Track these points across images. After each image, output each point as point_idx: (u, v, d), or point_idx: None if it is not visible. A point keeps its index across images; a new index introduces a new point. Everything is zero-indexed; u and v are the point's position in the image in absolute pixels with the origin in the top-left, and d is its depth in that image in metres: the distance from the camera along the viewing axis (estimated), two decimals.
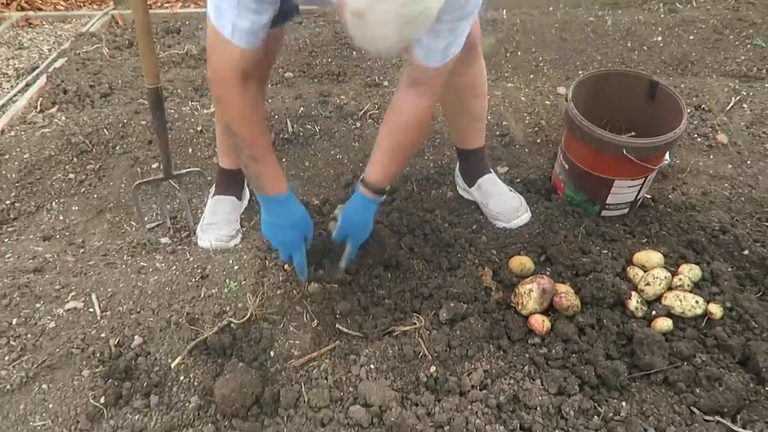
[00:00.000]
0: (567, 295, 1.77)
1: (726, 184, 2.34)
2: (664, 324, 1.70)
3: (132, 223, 2.24)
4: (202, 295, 1.75)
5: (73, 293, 1.79)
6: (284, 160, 2.44)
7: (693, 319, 1.74)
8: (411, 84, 1.61)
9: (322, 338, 1.72)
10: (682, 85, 2.78)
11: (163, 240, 2.16)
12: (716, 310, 1.73)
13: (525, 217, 2.13)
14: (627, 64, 3.11)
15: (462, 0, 1.39)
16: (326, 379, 1.61)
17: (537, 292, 1.74)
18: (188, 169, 2.15)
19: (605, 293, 1.76)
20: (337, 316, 1.76)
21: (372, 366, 1.62)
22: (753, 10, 3.46)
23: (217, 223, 2.10)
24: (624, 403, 1.55)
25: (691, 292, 1.78)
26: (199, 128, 2.50)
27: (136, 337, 1.68)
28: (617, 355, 1.66)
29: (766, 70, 3.01)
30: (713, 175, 2.38)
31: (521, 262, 1.92)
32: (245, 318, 1.66)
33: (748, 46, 3.17)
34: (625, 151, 1.89)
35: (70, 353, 1.64)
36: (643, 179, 2.03)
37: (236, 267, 1.82)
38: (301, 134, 2.52)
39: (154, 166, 2.37)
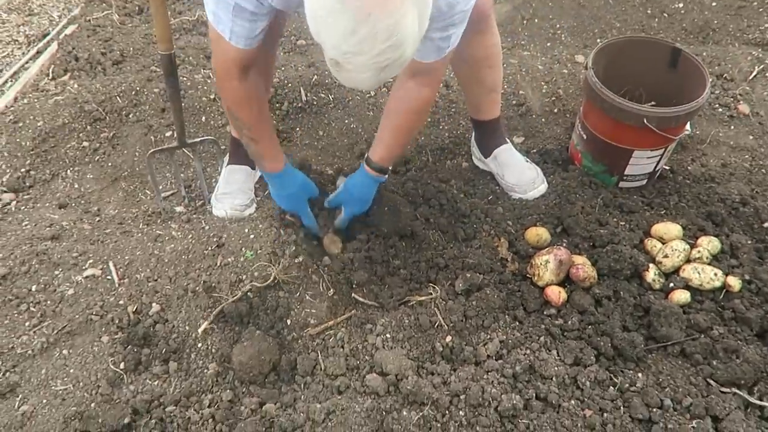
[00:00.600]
0: (584, 267, 1.76)
1: (747, 156, 2.30)
2: (681, 296, 1.70)
3: (147, 191, 2.24)
4: (218, 264, 1.76)
5: (91, 261, 1.80)
6: (297, 129, 2.42)
7: (711, 292, 1.73)
8: (411, 75, 1.61)
9: (339, 307, 1.73)
10: (704, 54, 2.71)
11: (178, 209, 2.16)
12: (735, 282, 1.71)
13: (541, 188, 2.11)
14: (646, 31, 3.03)
15: (446, 9, 1.38)
16: (342, 347, 1.62)
17: (554, 264, 1.73)
18: (202, 138, 2.14)
19: (622, 265, 1.75)
20: (354, 285, 1.77)
21: (388, 335, 1.63)
22: None
23: (232, 192, 2.09)
24: (640, 374, 1.55)
25: (709, 264, 1.77)
26: (212, 96, 2.47)
27: (153, 304, 1.69)
28: (634, 327, 1.65)
29: None
30: (734, 146, 2.34)
31: (537, 233, 1.91)
32: (267, 282, 1.66)
33: None
34: (645, 121, 1.86)
35: (89, 320, 1.66)
36: (663, 150, 2.00)
37: (252, 236, 1.82)
38: (315, 103, 2.49)
39: (168, 134, 2.36)
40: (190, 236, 1.86)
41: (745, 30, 2.99)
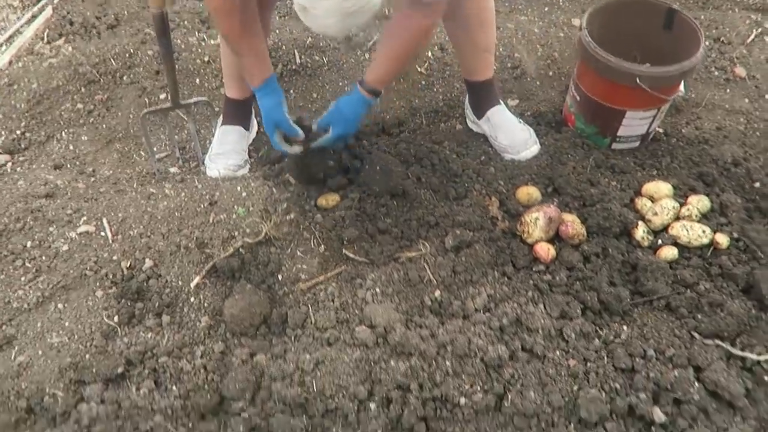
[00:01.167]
0: (573, 224, 1.77)
1: (741, 119, 2.29)
2: (669, 253, 1.71)
3: (141, 153, 2.25)
4: (210, 221, 1.77)
5: (85, 218, 1.82)
6: (291, 91, 2.42)
7: (699, 249, 1.74)
8: (412, 4, 1.59)
9: (329, 263, 1.75)
10: (702, 17, 2.69)
11: (172, 170, 2.18)
12: (723, 239, 1.73)
13: (534, 149, 2.11)
14: None
15: None
16: (333, 301, 1.64)
17: (543, 221, 1.75)
18: (196, 99, 2.14)
19: (612, 223, 1.76)
20: (344, 242, 1.78)
21: (378, 290, 1.65)
22: None
23: (225, 153, 2.10)
24: (625, 327, 1.57)
25: (698, 222, 1.78)
26: (206, 59, 2.47)
27: (147, 260, 1.71)
28: (621, 283, 1.67)
29: None
30: (729, 109, 2.33)
31: (528, 192, 1.92)
32: (259, 238, 1.68)
33: None
34: (638, 80, 1.85)
35: (83, 275, 1.69)
36: (656, 111, 1.99)
37: (244, 194, 1.84)
38: (309, 65, 2.48)
39: (162, 96, 2.36)
40: (183, 194, 1.87)
41: None
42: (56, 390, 1.46)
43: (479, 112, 2.19)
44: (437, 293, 1.66)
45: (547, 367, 1.46)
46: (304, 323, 1.61)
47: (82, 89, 2.39)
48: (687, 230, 1.74)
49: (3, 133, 2.25)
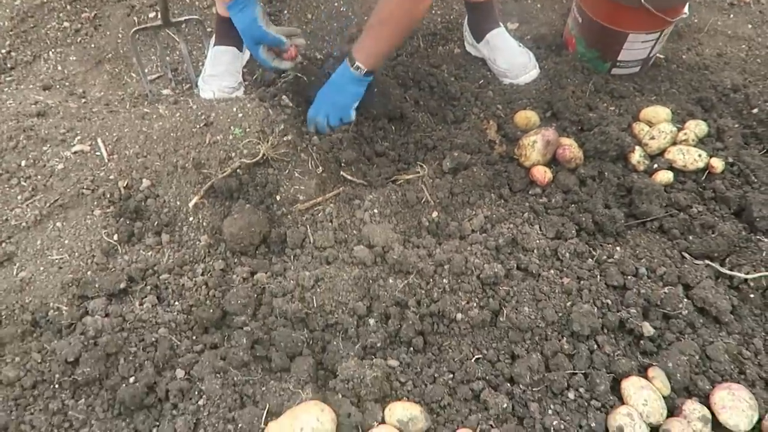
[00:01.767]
0: (570, 148, 1.77)
1: (743, 45, 2.26)
2: (664, 176, 1.72)
3: (132, 74, 2.20)
4: (207, 141, 1.75)
5: (79, 137, 1.80)
6: (285, 11, 2.35)
7: (694, 173, 1.75)
8: None
9: (327, 185, 1.75)
10: None
11: (165, 92, 2.13)
12: (718, 164, 1.74)
13: (533, 73, 2.08)
14: None
15: None
16: (331, 222, 1.66)
17: (541, 143, 1.75)
18: (187, 17, 2.07)
19: (609, 146, 1.77)
20: (342, 164, 1.78)
21: (375, 210, 1.67)
22: None
23: (219, 74, 2.06)
24: (618, 248, 1.60)
25: (695, 146, 1.78)
26: None
27: (144, 180, 1.70)
28: (616, 205, 1.69)
29: None
30: (731, 35, 2.29)
31: (527, 116, 1.91)
32: (256, 159, 1.67)
33: None
34: (643, 1, 1.81)
35: (80, 194, 1.68)
36: (659, 34, 1.96)
37: (240, 114, 1.81)
38: None
39: (152, 15, 2.29)
40: (178, 114, 1.84)
41: None
42: (60, 304, 1.49)
43: (479, 35, 2.15)
44: (435, 214, 1.67)
45: (542, 285, 1.49)
46: (303, 243, 1.63)
47: (68, 6, 2.30)
48: (683, 154, 1.75)
49: None
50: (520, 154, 1.78)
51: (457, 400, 1.34)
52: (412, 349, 1.44)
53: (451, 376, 1.37)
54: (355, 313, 1.47)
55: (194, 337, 1.46)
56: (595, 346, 1.40)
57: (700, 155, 1.74)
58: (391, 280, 1.52)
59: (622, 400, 1.31)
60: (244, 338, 1.42)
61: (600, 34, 2.00)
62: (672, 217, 1.64)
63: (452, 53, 2.24)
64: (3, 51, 2.21)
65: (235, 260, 1.62)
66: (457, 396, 1.33)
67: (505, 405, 1.29)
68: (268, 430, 1.25)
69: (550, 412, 1.31)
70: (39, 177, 1.72)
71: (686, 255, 1.58)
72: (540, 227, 1.64)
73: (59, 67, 2.20)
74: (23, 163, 1.74)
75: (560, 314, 1.44)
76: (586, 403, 1.31)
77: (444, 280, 1.50)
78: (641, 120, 1.89)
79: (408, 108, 1.90)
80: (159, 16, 2.00)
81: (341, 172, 1.77)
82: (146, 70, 2.14)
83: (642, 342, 1.41)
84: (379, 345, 1.42)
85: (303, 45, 1.85)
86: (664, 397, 1.30)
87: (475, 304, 1.46)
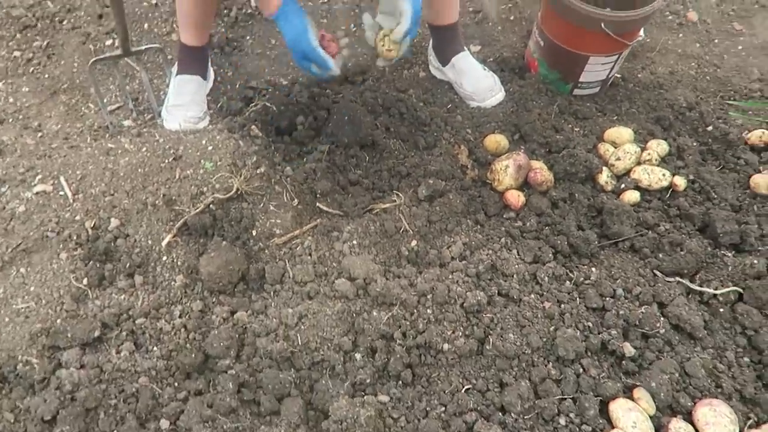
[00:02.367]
0: (541, 171, 1.81)
1: (693, 63, 2.37)
2: (632, 196, 1.78)
3: (90, 105, 2.12)
4: (177, 176, 1.71)
5: (40, 176, 1.72)
6: (248, 37, 2.32)
7: (659, 191, 1.82)
8: None
9: (303, 217, 1.73)
10: None
11: (126, 123, 2.07)
12: (680, 182, 1.81)
13: (499, 96, 2.12)
14: None
15: None
16: (310, 255, 1.64)
17: (513, 168, 1.78)
18: (147, 46, 2.01)
19: (577, 168, 1.81)
20: (317, 195, 1.76)
21: (355, 242, 1.65)
22: None
23: (184, 104, 2.01)
24: (594, 269, 1.65)
25: (658, 166, 1.85)
26: (153, 2, 2.32)
27: (112, 219, 1.64)
28: (588, 226, 1.74)
29: None
30: (681, 54, 2.40)
31: (496, 140, 1.94)
32: (230, 194, 1.64)
33: None
34: (603, 25, 1.87)
35: (45, 237, 1.61)
36: (617, 56, 2.03)
37: (210, 147, 1.77)
38: None
39: (108, 42, 2.21)
40: (144, 149, 1.79)
41: None
42: (29, 357, 1.42)
43: (444, 59, 2.17)
44: (414, 243, 1.68)
45: (524, 310, 1.52)
46: (282, 278, 1.60)
47: (18, 35, 2.21)
48: (648, 174, 1.81)
49: None
50: (493, 178, 1.81)
51: None
52: (401, 382, 1.43)
53: (443, 408, 1.38)
54: (341, 348, 1.45)
55: (177, 384, 1.41)
56: (581, 370, 1.43)
57: (664, 174, 1.81)
58: (375, 313, 1.51)
59: (611, 423, 1.35)
60: (229, 382, 1.38)
61: (562, 57, 2.06)
62: (642, 236, 1.70)
63: (417, 77, 2.26)
64: None
65: (214, 300, 1.58)
66: (451, 429, 1.33)
67: None
68: None
69: None
70: None
71: (657, 273, 1.63)
72: (518, 252, 1.66)
73: (11, 99, 2.10)
74: None
75: (544, 339, 1.47)
76: (577, 429, 1.34)
77: (428, 311, 1.51)
78: (606, 140, 1.96)
79: (379, 135, 1.90)
80: (117, 45, 1.94)
81: (317, 204, 1.75)
82: (105, 101, 2.07)
83: (624, 362, 1.45)
84: (368, 381, 1.41)
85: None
86: (651, 417, 1.34)
87: (460, 333, 1.47)
